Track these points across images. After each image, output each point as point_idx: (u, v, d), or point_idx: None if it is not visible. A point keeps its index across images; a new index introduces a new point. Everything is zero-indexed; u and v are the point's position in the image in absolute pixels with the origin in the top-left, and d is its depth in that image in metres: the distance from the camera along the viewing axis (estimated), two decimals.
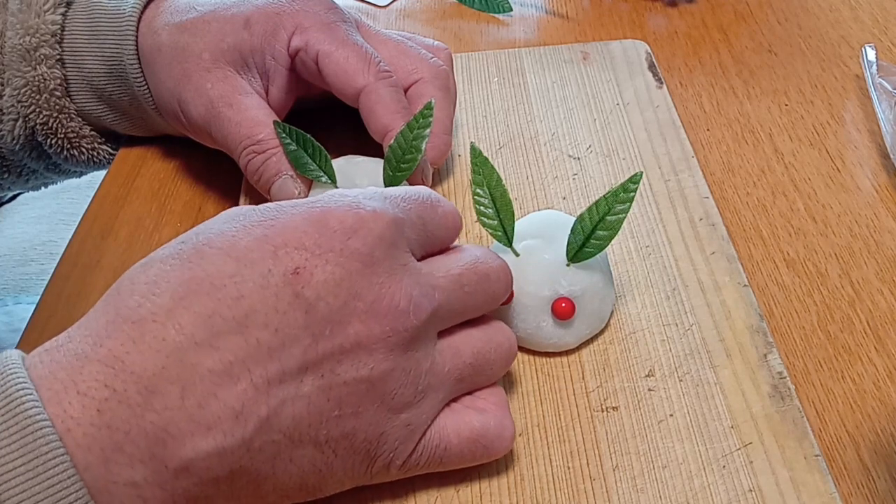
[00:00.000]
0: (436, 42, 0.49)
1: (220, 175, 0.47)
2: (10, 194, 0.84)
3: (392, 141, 0.42)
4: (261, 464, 0.28)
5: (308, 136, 0.43)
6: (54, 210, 0.86)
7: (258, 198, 0.45)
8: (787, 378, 0.37)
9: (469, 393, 0.34)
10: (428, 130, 0.42)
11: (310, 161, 0.43)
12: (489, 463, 0.35)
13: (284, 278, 0.28)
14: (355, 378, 0.29)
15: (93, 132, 0.51)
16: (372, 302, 0.29)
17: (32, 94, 0.48)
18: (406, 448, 0.31)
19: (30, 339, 0.42)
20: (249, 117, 0.43)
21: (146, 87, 0.47)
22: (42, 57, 0.48)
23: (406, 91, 0.45)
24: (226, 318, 0.27)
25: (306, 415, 0.28)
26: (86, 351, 0.27)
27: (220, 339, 0.27)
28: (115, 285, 0.29)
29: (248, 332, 0.27)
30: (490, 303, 0.34)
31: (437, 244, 0.34)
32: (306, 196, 0.44)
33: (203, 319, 0.27)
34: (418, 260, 0.32)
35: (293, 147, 0.43)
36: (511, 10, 0.63)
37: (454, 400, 0.34)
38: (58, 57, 0.48)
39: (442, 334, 0.33)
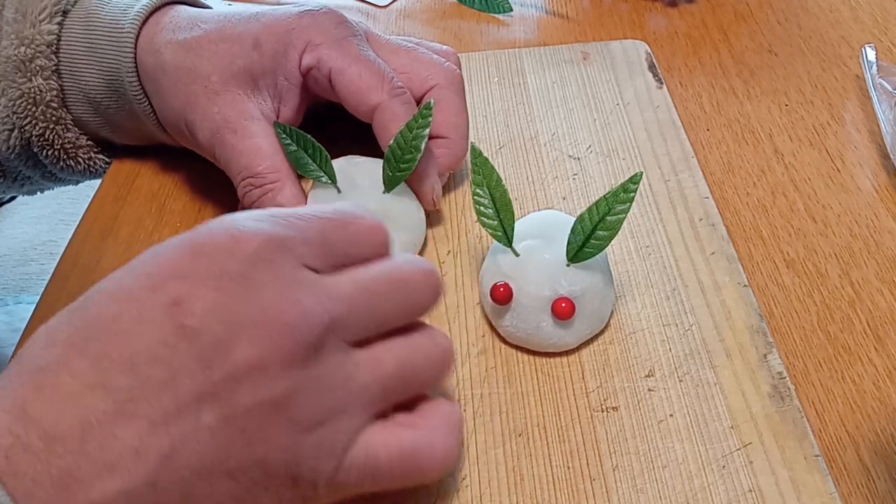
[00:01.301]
0: (444, 46, 0.49)
1: (220, 175, 0.47)
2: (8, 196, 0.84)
3: (391, 141, 0.42)
4: (172, 503, 0.27)
5: (308, 136, 0.43)
6: (54, 210, 0.86)
7: None
8: (787, 378, 0.37)
9: (411, 410, 0.33)
10: (427, 130, 0.42)
11: (310, 161, 0.43)
12: (488, 463, 0.35)
13: (165, 311, 0.27)
14: (256, 402, 0.28)
15: (89, 142, 0.51)
16: (257, 321, 0.28)
17: (28, 106, 0.48)
18: (327, 467, 0.30)
19: None
20: (252, 146, 0.42)
21: (146, 102, 0.46)
22: (38, 68, 0.47)
23: (422, 98, 0.45)
24: (114, 359, 0.27)
25: (212, 446, 0.27)
26: None
27: (111, 380, 0.27)
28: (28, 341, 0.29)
29: (138, 370, 0.27)
30: (412, 310, 0.32)
31: (350, 260, 0.32)
32: None
33: (93, 362, 0.27)
34: (330, 273, 0.31)
35: (293, 147, 0.43)
36: (511, 10, 0.63)
37: (389, 414, 0.32)
38: (53, 68, 0.47)
39: (361, 345, 0.31)
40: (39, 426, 0.26)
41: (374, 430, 0.31)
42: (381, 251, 0.33)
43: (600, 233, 0.37)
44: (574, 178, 0.48)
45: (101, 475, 0.26)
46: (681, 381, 0.37)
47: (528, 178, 0.48)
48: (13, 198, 0.86)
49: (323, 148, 0.43)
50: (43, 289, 0.45)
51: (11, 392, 0.27)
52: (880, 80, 0.51)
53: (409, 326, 0.33)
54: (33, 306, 0.44)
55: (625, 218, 0.37)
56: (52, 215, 0.85)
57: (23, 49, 0.47)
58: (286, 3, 0.49)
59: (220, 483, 0.28)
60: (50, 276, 0.46)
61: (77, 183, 0.57)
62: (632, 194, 0.38)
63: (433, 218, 0.46)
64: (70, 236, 0.48)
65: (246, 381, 0.28)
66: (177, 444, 0.27)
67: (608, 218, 0.37)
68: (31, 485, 0.25)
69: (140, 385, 0.27)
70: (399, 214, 0.42)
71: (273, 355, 0.28)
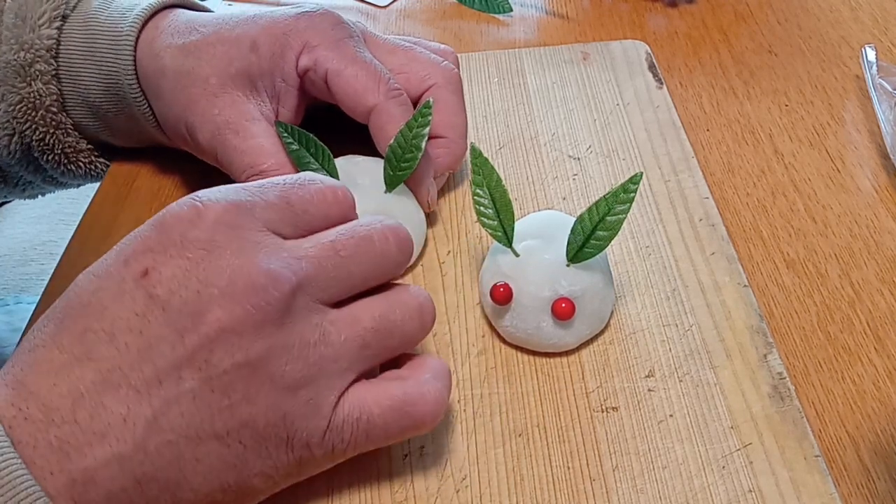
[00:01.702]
0: (442, 45, 0.49)
1: (220, 175, 0.47)
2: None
3: (392, 140, 0.42)
4: (165, 469, 0.28)
5: (310, 135, 0.43)
6: (54, 210, 0.86)
7: None
8: (787, 378, 0.37)
9: (396, 366, 0.34)
10: (427, 129, 0.42)
11: (312, 160, 0.43)
12: (488, 463, 0.35)
13: (136, 282, 0.29)
14: (233, 364, 0.29)
15: (89, 146, 0.51)
16: (225, 285, 0.29)
17: (28, 111, 0.48)
18: (317, 425, 0.31)
19: None
20: (254, 146, 0.43)
21: (146, 106, 0.46)
22: (37, 73, 0.47)
23: (420, 97, 0.45)
24: (95, 330, 0.29)
25: (195, 410, 0.29)
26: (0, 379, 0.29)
27: (94, 351, 0.28)
28: None
29: (117, 340, 0.28)
30: (381, 269, 0.33)
31: (315, 222, 0.33)
32: None
33: (78, 336, 0.29)
34: (297, 238, 0.32)
35: (295, 146, 0.43)
36: (511, 10, 0.63)
37: (377, 374, 0.33)
38: (53, 72, 0.47)
39: (338, 305, 0.32)
40: (38, 398, 0.28)
41: (364, 388, 0.32)
42: (345, 212, 0.34)
43: (600, 233, 0.37)
44: (574, 179, 0.48)
45: (93, 443, 0.28)
46: (681, 381, 0.37)
47: (528, 179, 0.48)
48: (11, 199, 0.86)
49: (325, 146, 0.43)
50: (43, 289, 0.45)
51: (13, 369, 0.29)
52: (880, 80, 0.51)
53: (385, 286, 0.34)
54: (33, 306, 0.44)
55: (625, 218, 0.37)
56: (52, 215, 0.85)
57: (22, 54, 0.47)
58: (286, 4, 0.49)
59: (210, 446, 0.29)
60: (50, 276, 0.46)
61: (78, 186, 0.57)
62: (632, 195, 0.38)
63: (433, 218, 0.46)
64: (70, 236, 0.48)
65: (220, 345, 0.29)
66: (162, 409, 0.28)
67: (608, 218, 0.37)
68: (32, 452, 0.27)
69: (120, 354, 0.28)
70: (400, 214, 0.42)
71: (244, 317, 0.29)
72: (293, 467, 0.31)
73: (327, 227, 0.33)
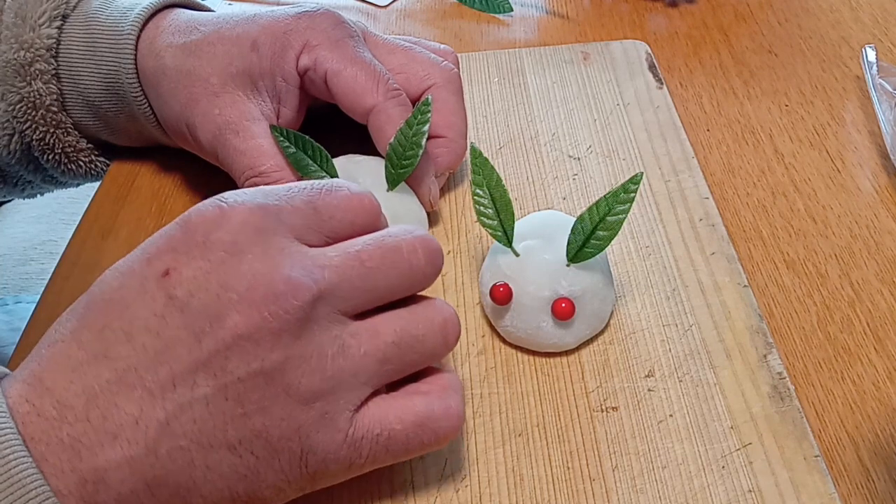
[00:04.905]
0: (442, 45, 0.49)
1: (220, 175, 0.47)
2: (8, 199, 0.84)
3: (392, 139, 0.42)
4: (176, 474, 0.28)
5: (306, 137, 0.43)
6: (54, 210, 0.86)
7: None
8: (787, 379, 0.37)
9: (415, 380, 0.33)
10: (427, 126, 0.42)
11: (310, 162, 0.43)
12: (488, 463, 0.35)
13: (157, 282, 0.29)
14: (249, 372, 0.28)
15: (89, 145, 0.51)
16: (245, 290, 0.28)
17: (28, 111, 0.48)
18: (333, 438, 0.30)
19: (30, 339, 0.42)
20: (255, 146, 0.43)
21: (147, 105, 0.46)
22: (37, 72, 0.47)
23: (420, 97, 0.45)
24: (115, 329, 0.28)
25: (209, 417, 0.28)
26: (17, 374, 0.29)
27: (112, 350, 0.28)
28: None
29: (135, 340, 0.28)
30: (408, 280, 0.32)
31: (341, 229, 0.32)
32: None
33: (97, 333, 0.28)
34: (321, 246, 0.31)
35: (292, 150, 0.43)
36: (511, 10, 0.63)
37: (396, 387, 0.32)
38: (53, 72, 0.47)
39: (360, 317, 0.31)
40: (53, 395, 0.28)
41: (386, 403, 0.31)
42: (372, 220, 0.33)
43: (600, 233, 0.37)
44: (574, 179, 0.48)
45: (104, 443, 0.27)
46: (681, 381, 0.37)
47: (528, 178, 0.48)
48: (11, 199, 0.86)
49: (322, 147, 0.43)
50: (43, 289, 0.45)
51: (31, 364, 0.29)
52: (880, 80, 0.51)
53: (410, 299, 0.33)
54: (33, 306, 0.44)
55: (625, 218, 0.37)
56: (52, 215, 0.85)
57: (22, 53, 0.47)
58: (286, 4, 0.49)
59: (221, 455, 0.28)
60: (50, 276, 0.46)
61: (77, 186, 0.57)
62: (632, 195, 0.38)
63: (433, 217, 0.46)
64: (70, 236, 0.48)
65: (237, 351, 0.28)
66: (175, 414, 0.28)
67: (608, 218, 0.37)
68: (44, 449, 0.27)
69: (137, 355, 0.28)
70: (403, 212, 0.42)
71: (262, 325, 0.28)
72: (306, 480, 0.31)
73: (353, 235, 0.32)
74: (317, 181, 0.33)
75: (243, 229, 0.29)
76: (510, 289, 0.38)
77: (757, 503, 0.33)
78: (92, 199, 0.50)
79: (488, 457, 0.35)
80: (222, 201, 0.30)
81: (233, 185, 0.46)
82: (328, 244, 0.31)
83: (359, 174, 0.43)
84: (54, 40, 0.47)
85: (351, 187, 0.33)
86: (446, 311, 0.33)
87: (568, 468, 0.35)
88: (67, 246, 0.47)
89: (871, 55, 0.52)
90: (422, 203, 0.44)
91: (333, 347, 0.30)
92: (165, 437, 0.28)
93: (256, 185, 0.43)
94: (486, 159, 0.39)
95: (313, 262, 0.30)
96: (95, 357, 0.28)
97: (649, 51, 0.56)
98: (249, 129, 0.43)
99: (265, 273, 0.29)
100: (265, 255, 0.29)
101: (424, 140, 0.42)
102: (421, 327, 0.32)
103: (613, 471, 0.34)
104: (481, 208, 0.39)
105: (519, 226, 0.40)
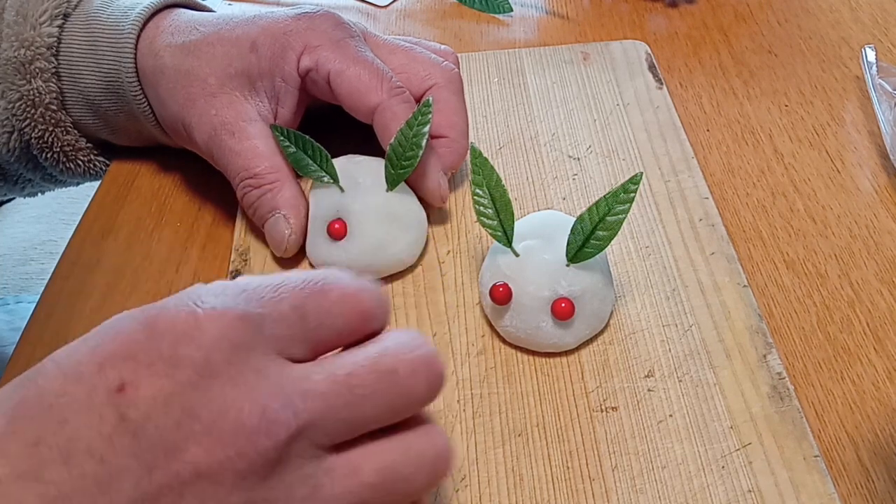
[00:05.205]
0: (442, 45, 0.49)
1: (220, 175, 0.47)
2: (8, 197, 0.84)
3: (392, 139, 0.42)
4: None
5: (306, 137, 0.43)
6: (54, 210, 0.86)
7: None
8: (787, 379, 0.37)
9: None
10: (427, 127, 0.42)
11: (310, 162, 0.43)
12: (488, 463, 0.35)
13: (109, 396, 0.24)
14: None
15: (88, 144, 0.51)
16: (212, 421, 0.24)
17: (27, 108, 0.48)
18: None
19: (30, 338, 0.42)
20: (250, 147, 0.42)
21: (146, 105, 0.47)
22: (37, 70, 0.47)
23: (420, 97, 0.45)
24: (50, 445, 0.24)
25: None
26: None
27: (44, 471, 0.23)
28: None
29: (73, 463, 0.23)
30: (401, 406, 0.27)
31: (329, 338, 0.28)
32: (299, 235, 0.43)
33: (28, 448, 0.24)
34: (310, 360, 0.27)
35: (292, 149, 0.43)
36: (511, 10, 0.63)
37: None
38: (53, 70, 0.47)
39: (341, 447, 0.26)
40: None
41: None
42: (368, 325, 0.28)
43: (600, 233, 0.37)
44: (574, 179, 0.48)
45: None
46: (680, 381, 0.37)
47: (528, 178, 0.48)
48: (12, 198, 0.86)
49: (322, 147, 0.43)
50: (43, 289, 0.45)
51: None
52: (880, 80, 0.51)
53: (405, 421, 0.28)
54: (33, 306, 0.44)
55: (625, 218, 0.37)
56: (52, 215, 0.85)
57: (22, 51, 0.47)
58: (286, 5, 0.49)
59: None
60: (50, 275, 0.46)
61: (77, 184, 0.57)
62: (632, 195, 0.38)
63: (433, 217, 0.46)
64: (70, 236, 0.48)
65: (193, 490, 0.24)
66: None
67: (608, 218, 0.38)
68: None
69: (74, 481, 0.23)
70: (402, 213, 0.42)
71: (226, 463, 0.24)
72: None
73: (346, 342, 0.28)
74: (310, 273, 0.28)
75: (218, 346, 0.25)
76: (510, 289, 0.38)
77: (756, 503, 0.33)
78: (92, 199, 0.50)
79: (488, 457, 0.35)
80: (198, 306, 0.26)
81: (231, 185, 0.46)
82: (315, 354, 0.28)
83: (359, 174, 0.43)
84: (55, 39, 0.47)
85: (348, 283, 0.28)
86: (439, 444, 0.28)
87: (567, 468, 0.35)
88: (67, 246, 0.47)
89: (871, 55, 0.52)
90: (431, 199, 0.44)
91: (304, 489, 0.26)
92: None
93: (251, 186, 0.43)
94: (486, 159, 0.39)
95: (294, 388, 0.25)
96: (21, 477, 0.23)
97: (649, 51, 0.57)
98: (245, 130, 0.43)
99: (237, 401, 0.24)
100: (240, 379, 0.25)
101: (425, 140, 0.42)
102: (408, 464, 0.27)
103: (613, 471, 0.34)
104: (481, 208, 0.39)
105: (519, 226, 0.40)
